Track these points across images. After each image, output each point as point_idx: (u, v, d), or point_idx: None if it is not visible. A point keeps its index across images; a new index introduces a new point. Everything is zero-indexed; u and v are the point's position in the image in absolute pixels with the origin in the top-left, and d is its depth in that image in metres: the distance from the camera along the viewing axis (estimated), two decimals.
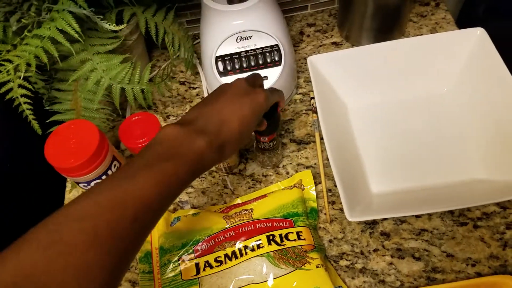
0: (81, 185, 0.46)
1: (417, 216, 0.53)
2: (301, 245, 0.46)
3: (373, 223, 0.53)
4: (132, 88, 0.52)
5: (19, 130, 0.60)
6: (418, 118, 0.60)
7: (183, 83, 0.70)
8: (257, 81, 0.42)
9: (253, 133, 0.56)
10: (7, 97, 0.46)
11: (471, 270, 0.49)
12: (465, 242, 0.51)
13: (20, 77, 0.45)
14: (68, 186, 0.60)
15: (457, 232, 0.52)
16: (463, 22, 0.75)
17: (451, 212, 0.53)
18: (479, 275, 0.48)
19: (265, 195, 0.53)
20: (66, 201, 0.59)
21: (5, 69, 0.45)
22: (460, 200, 0.50)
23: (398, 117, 0.60)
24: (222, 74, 0.58)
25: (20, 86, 0.46)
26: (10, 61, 0.46)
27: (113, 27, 0.46)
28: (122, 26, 0.46)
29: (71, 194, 0.59)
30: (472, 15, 0.75)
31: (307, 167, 0.58)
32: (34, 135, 0.53)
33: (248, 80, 0.40)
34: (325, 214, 0.54)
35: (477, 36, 0.57)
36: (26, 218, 0.59)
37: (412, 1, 0.71)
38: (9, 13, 0.50)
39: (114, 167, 0.48)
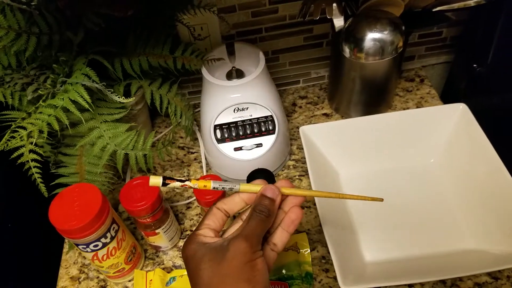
0: (80, 247, 0.48)
1: (410, 286, 0.54)
2: None
3: None
4: (135, 154, 0.55)
5: (23, 192, 0.62)
6: (408, 188, 0.62)
7: (182, 148, 0.74)
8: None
9: None
10: (19, 161, 0.49)
11: None
12: None
13: (32, 143, 0.49)
14: (66, 247, 0.61)
15: None
16: (446, 96, 0.82)
17: (444, 282, 0.54)
18: None
19: None
20: (63, 262, 0.60)
21: (19, 135, 0.48)
22: (452, 269, 0.51)
23: (388, 186, 0.63)
24: (220, 141, 0.62)
25: (31, 151, 0.49)
26: (24, 127, 0.49)
27: (122, 99, 0.50)
28: (130, 99, 0.50)
29: (67, 255, 0.60)
30: (454, 90, 0.81)
31: (300, 232, 0.60)
32: (36, 197, 0.56)
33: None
34: (320, 282, 0.55)
35: (460, 111, 0.61)
36: (25, 277, 0.60)
37: (397, 78, 0.77)
38: (26, 84, 0.55)
39: (113, 229, 0.50)
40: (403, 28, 0.60)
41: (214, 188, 0.38)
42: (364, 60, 0.61)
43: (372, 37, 0.59)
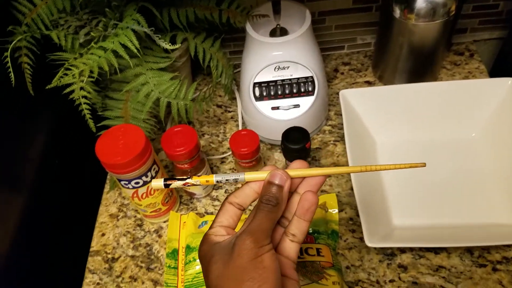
0: (122, 182, 0.51)
1: (436, 253, 0.54)
2: (319, 261, 0.48)
3: (391, 255, 0.54)
4: (177, 103, 0.57)
5: (71, 131, 0.66)
6: (445, 159, 0.61)
7: (220, 106, 0.75)
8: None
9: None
10: (70, 97, 0.52)
11: None
12: (482, 284, 0.51)
13: (82, 81, 0.51)
14: (107, 187, 0.65)
15: (475, 273, 0.52)
16: (496, 73, 0.78)
17: (471, 252, 0.53)
18: None
19: None
20: (103, 200, 0.64)
21: (71, 73, 0.51)
22: (480, 239, 0.51)
23: (425, 156, 0.62)
24: (258, 99, 0.63)
25: (81, 88, 0.52)
26: (76, 66, 0.52)
27: (169, 46, 0.52)
28: (176, 46, 0.52)
29: (108, 194, 0.64)
30: (505, 67, 0.78)
31: (330, 193, 0.60)
32: (82, 137, 0.59)
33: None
34: (345, 241, 0.56)
35: (508, 86, 0.59)
36: (66, 211, 0.64)
37: (446, 48, 0.74)
38: (79, 27, 0.57)
39: (153, 170, 0.52)
40: None
41: (217, 181, 0.35)
42: (414, 21, 0.59)
43: None
